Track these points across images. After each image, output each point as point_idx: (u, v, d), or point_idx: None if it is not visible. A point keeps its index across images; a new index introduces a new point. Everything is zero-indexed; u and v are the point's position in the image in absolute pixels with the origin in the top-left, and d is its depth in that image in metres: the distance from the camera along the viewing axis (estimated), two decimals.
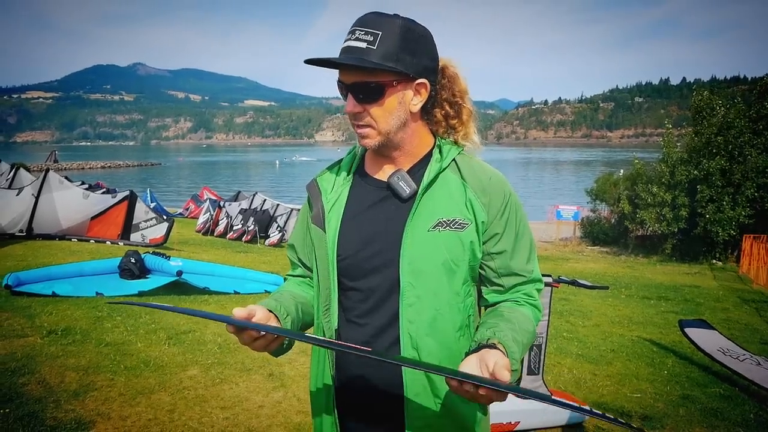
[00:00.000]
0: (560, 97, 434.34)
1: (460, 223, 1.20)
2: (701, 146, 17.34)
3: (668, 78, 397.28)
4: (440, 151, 1.26)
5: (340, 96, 1.25)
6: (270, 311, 1.19)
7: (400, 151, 1.26)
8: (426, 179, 1.21)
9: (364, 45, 1.13)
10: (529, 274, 1.27)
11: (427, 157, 1.27)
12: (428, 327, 1.19)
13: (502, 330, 1.11)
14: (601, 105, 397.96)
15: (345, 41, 1.16)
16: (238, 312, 1.07)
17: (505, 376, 0.91)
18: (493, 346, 1.04)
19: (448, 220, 1.20)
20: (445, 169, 1.24)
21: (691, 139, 18.02)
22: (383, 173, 1.28)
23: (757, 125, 17.48)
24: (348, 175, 1.32)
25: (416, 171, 1.26)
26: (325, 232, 1.26)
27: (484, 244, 1.23)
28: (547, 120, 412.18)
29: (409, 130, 1.24)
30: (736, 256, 16.23)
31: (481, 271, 1.26)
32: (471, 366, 0.98)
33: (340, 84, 1.19)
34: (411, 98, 1.20)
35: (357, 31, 1.14)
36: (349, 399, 1.25)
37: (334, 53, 1.18)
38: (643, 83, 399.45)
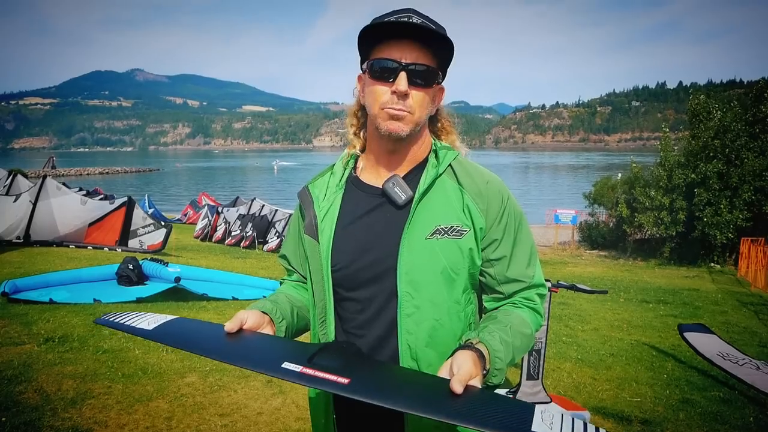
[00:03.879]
0: (558, 102, 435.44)
1: (458, 230, 1.17)
2: (698, 150, 17.38)
3: (665, 82, 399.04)
4: (436, 156, 1.24)
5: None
6: (265, 313, 1.18)
7: (403, 154, 1.23)
8: (422, 185, 1.19)
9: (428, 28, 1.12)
10: (529, 280, 1.24)
11: (423, 162, 1.25)
12: (428, 337, 1.16)
13: (490, 331, 1.09)
14: (599, 109, 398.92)
15: (397, 20, 1.11)
16: (229, 326, 1.08)
17: (457, 389, 0.90)
18: (470, 346, 1.02)
19: (446, 227, 1.17)
20: (441, 174, 1.21)
21: (688, 143, 18.06)
22: (378, 179, 1.25)
23: (753, 128, 17.53)
24: (340, 181, 1.29)
25: (412, 176, 1.23)
26: (318, 242, 1.23)
27: (482, 250, 1.21)
28: (544, 124, 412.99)
29: (422, 131, 1.23)
30: (734, 259, 16.24)
31: (480, 278, 1.24)
32: (444, 370, 0.98)
33: (391, 63, 1.13)
34: (433, 99, 1.22)
35: (414, 16, 1.12)
36: (348, 411, 1.23)
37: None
38: (640, 87, 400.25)
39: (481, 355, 1.01)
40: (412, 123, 1.17)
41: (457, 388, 0.91)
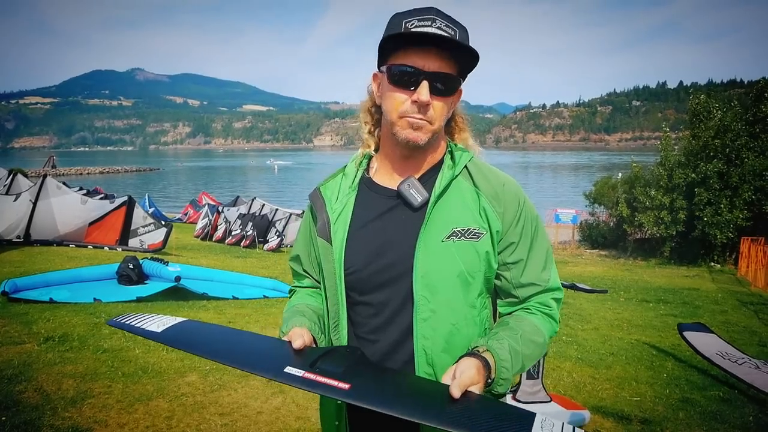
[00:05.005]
0: (558, 101, 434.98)
1: (475, 233, 1.14)
2: (699, 149, 17.39)
3: (665, 81, 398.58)
4: (452, 157, 1.21)
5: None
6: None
7: (419, 159, 1.21)
8: (438, 187, 1.16)
9: (448, 35, 1.09)
10: (545, 283, 1.21)
11: (439, 163, 1.22)
12: (444, 342, 1.13)
13: (499, 338, 1.07)
14: (599, 109, 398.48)
15: (419, 27, 1.08)
16: (297, 344, 1.08)
17: (455, 394, 0.91)
18: (476, 354, 1.02)
19: (463, 230, 1.14)
20: (457, 176, 1.18)
21: (688, 143, 18.07)
22: (392, 180, 1.22)
23: (753, 128, 17.55)
24: (353, 183, 1.25)
25: (427, 178, 1.20)
26: (331, 244, 1.19)
27: (499, 253, 1.18)
28: (545, 124, 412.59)
29: (439, 134, 1.21)
30: (735, 259, 16.25)
31: (496, 281, 1.21)
32: (447, 376, 0.98)
33: (412, 70, 1.10)
34: (451, 104, 1.19)
35: (438, 21, 1.09)
36: (361, 417, 1.20)
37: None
38: (641, 87, 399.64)
39: (486, 364, 1.00)
40: (431, 132, 1.14)
41: (455, 392, 0.90)
